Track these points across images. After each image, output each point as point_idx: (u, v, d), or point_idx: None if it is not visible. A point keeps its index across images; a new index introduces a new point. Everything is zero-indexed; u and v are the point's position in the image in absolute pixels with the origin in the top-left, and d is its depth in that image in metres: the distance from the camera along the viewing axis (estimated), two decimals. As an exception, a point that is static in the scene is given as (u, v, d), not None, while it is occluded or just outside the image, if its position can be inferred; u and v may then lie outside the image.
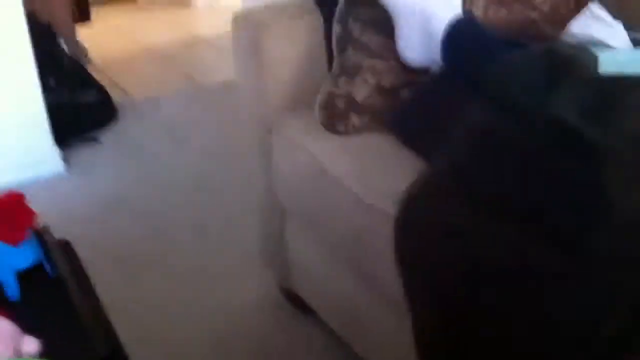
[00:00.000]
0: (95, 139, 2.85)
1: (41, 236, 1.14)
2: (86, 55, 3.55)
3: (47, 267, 1.14)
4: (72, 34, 3.23)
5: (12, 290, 1.12)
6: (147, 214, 2.28)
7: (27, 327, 0.94)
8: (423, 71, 1.40)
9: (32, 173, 2.53)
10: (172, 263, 2.01)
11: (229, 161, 2.60)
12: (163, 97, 3.43)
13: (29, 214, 1.03)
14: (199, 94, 3.47)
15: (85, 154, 2.77)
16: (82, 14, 3.38)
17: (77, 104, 2.86)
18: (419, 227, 0.89)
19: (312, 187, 1.38)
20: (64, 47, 3.00)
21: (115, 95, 3.19)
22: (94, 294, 1.12)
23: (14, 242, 1.04)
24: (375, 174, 1.26)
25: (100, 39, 4.36)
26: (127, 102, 3.27)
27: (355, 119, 1.40)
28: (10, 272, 1.11)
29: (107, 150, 2.82)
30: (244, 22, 1.53)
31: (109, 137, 2.92)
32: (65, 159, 2.66)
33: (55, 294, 1.08)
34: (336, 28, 1.43)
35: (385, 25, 1.41)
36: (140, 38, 4.70)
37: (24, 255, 1.11)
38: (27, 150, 2.56)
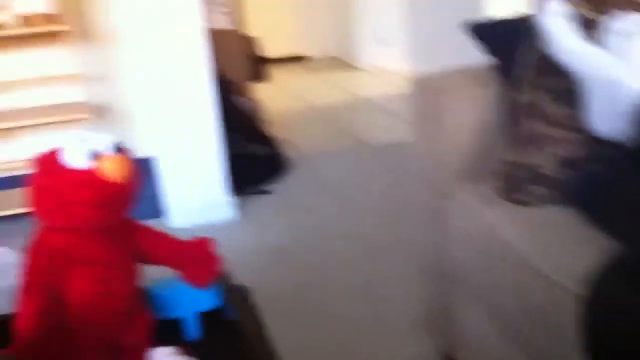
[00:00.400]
0: (266, 191, 2.99)
1: (223, 281, 1.19)
2: (260, 112, 3.75)
3: (226, 310, 1.20)
4: (250, 91, 3.44)
5: (194, 330, 1.18)
6: (310, 267, 2.34)
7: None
8: (611, 144, 1.34)
9: (207, 218, 2.69)
10: (332, 316, 2.03)
11: (392, 221, 2.61)
12: (329, 155, 3.54)
13: (216, 259, 1.09)
14: (363, 154, 3.55)
15: (256, 204, 2.90)
16: (259, 74, 3.59)
17: (252, 156, 3.02)
18: (612, 310, 0.84)
19: (487, 257, 1.35)
20: (242, 102, 3.20)
21: (285, 150, 3.34)
22: (269, 339, 1.15)
23: (201, 285, 1.09)
24: (556, 248, 1.21)
25: (272, 96, 4.61)
26: (296, 157, 3.41)
27: (535, 190, 1.36)
28: (192, 313, 1.17)
29: (276, 202, 2.94)
30: (424, 87, 1.55)
31: (278, 189, 3.05)
32: (238, 208, 2.80)
33: (232, 337, 1.12)
34: (519, 97, 1.41)
35: (571, 94, 1.37)
36: (309, 97, 4.91)
37: (207, 298, 1.17)
38: (205, 195, 2.73)
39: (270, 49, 5.46)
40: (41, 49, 2.88)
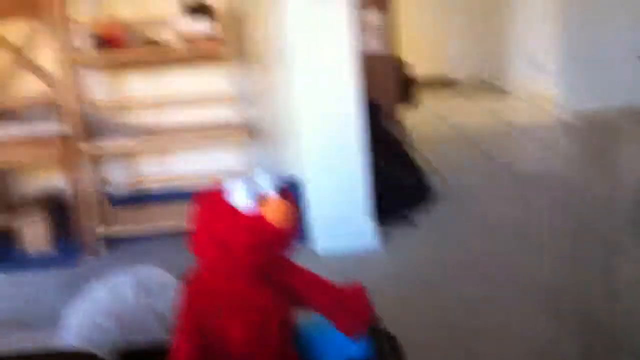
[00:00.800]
0: (411, 221, 2.92)
1: (372, 328, 1.14)
2: (409, 138, 3.68)
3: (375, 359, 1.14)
4: (399, 116, 3.39)
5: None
6: (450, 303, 2.24)
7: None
8: None
9: (350, 245, 2.66)
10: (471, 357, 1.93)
11: (540, 261, 2.44)
12: (476, 184, 3.41)
13: (369, 310, 1.04)
14: (512, 184, 3.39)
15: (399, 233, 2.83)
16: (409, 98, 3.53)
17: (400, 185, 2.96)
18: None
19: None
20: (390, 127, 3.15)
21: (431, 178, 3.25)
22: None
23: (351, 335, 1.05)
24: None
25: (420, 120, 4.53)
26: (441, 185, 3.31)
27: None
28: (342, 360, 1.13)
29: (420, 233, 2.85)
30: (597, 122, 1.43)
31: (422, 219, 2.97)
32: (382, 236, 2.75)
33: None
34: None
35: None
36: (458, 122, 4.79)
37: (358, 347, 1.12)
38: (349, 222, 2.70)
39: (420, 71, 5.39)
40: (201, 68, 3.00)
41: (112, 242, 2.84)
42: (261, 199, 0.87)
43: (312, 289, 0.99)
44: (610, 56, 3.88)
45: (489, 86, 6.07)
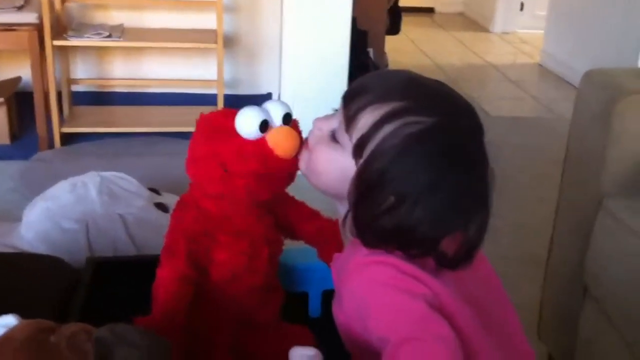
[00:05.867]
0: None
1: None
2: (387, 66, 3.61)
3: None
4: (382, 45, 3.30)
5: (316, 307, 1.13)
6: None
7: (325, 343, 0.92)
8: None
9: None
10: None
11: (511, 207, 2.47)
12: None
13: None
14: (484, 124, 3.38)
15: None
16: (393, 27, 3.43)
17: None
18: None
19: (635, 276, 1.23)
20: (372, 56, 3.08)
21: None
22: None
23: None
24: None
25: (399, 49, 4.45)
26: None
27: None
28: (319, 290, 1.12)
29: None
30: (598, 82, 1.40)
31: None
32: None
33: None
34: None
35: None
36: (433, 55, 4.73)
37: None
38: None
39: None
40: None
41: (70, 140, 2.74)
42: (267, 126, 0.82)
43: (304, 219, 0.96)
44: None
45: (467, 20, 6.00)
